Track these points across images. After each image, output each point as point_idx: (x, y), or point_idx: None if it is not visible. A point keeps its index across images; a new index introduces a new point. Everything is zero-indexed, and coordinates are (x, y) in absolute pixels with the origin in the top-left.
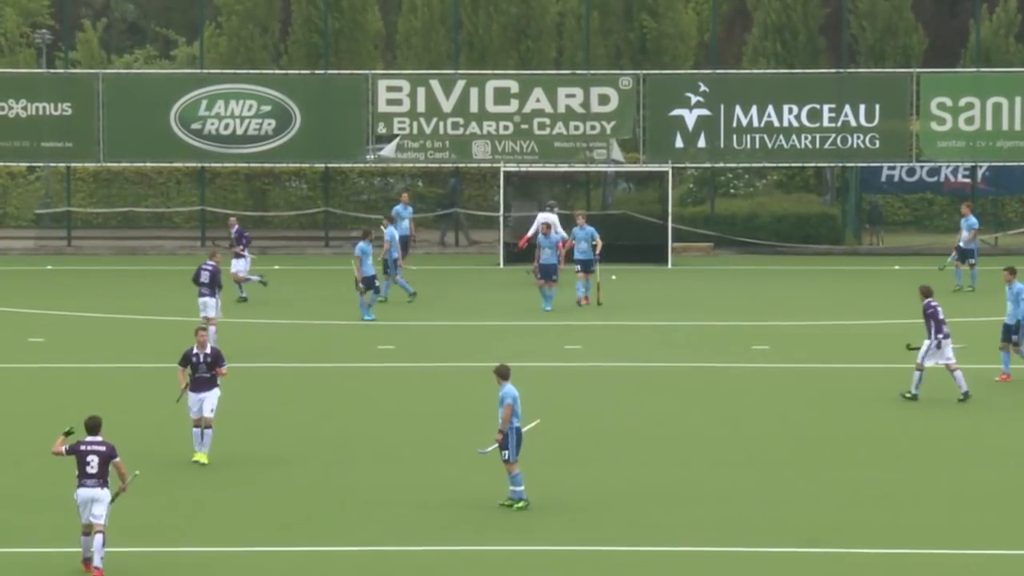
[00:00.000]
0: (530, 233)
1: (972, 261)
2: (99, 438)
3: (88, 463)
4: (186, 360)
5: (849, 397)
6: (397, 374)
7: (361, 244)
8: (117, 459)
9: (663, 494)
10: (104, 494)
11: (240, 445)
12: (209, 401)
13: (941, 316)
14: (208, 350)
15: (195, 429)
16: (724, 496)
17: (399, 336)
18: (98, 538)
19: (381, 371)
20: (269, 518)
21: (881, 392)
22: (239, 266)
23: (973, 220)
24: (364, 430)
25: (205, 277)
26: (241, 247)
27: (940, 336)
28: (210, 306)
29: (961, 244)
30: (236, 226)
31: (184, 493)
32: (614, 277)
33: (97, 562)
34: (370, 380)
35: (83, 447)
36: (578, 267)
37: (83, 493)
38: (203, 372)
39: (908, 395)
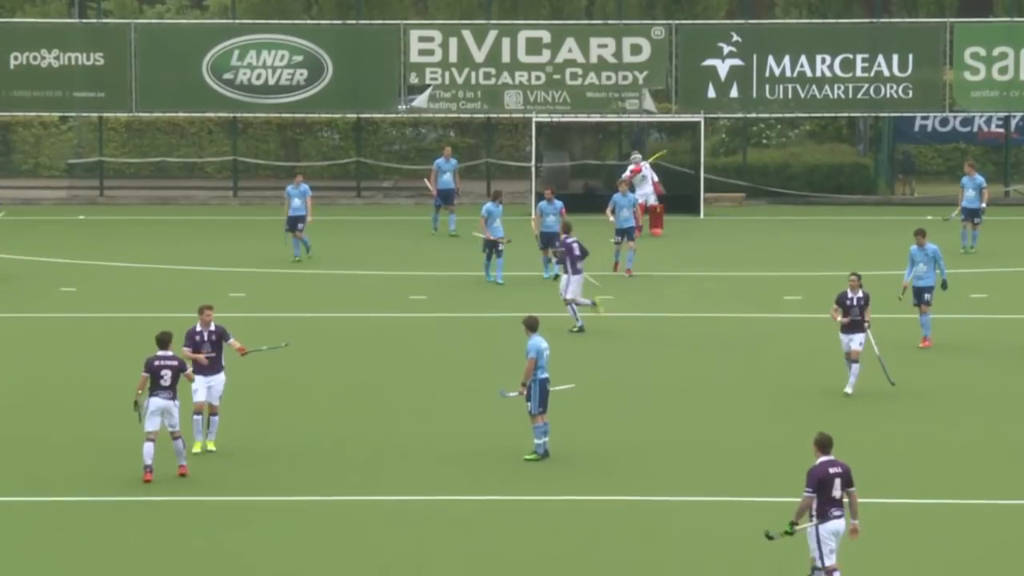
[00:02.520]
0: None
1: (978, 220)
2: (170, 352)
3: (162, 377)
4: (191, 340)
5: (883, 347)
6: (429, 324)
7: (488, 205)
8: (188, 371)
9: (693, 445)
10: (175, 406)
11: (273, 396)
12: (216, 387)
13: (576, 253)
14: (213, 328)
15: (196, 416)
16: (755, 447)
17: (431, 286)
18: (178, 443)
19: (413, 321)
20: (302, 467)
21: (914, 342)
22: None
23: (980, 179)
24: (396, 380)
25: None
26: None
27: (573, 272)
28: None
29: (966, 204)
30: None
31: (219, 442)
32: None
33: (182, 461)
34: (402, 330)
35: (157, 362)
36: (618, 237)
37: (155, 402)
38: (208, 351)
39: (575, 329)
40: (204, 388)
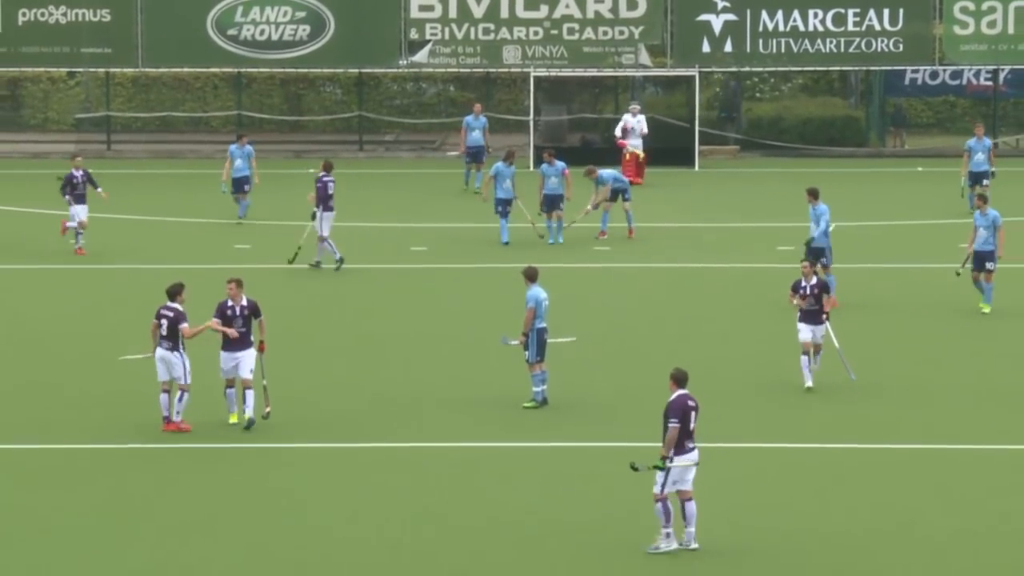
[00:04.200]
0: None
1: (986, 183)
2: (174, 304)
3: (161, 326)
4: (220, 313)
5: (874, 297)
6: (430, 275)
7: (498, 165)
8: (183, 325)
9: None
10: (174, 357)
11: (275, 346)
12: (247, 362)
13: (330, 192)
14: (245, 302)
15: (228, 390)
16: (752, 393)
17: (432, 237)
18: (165, 396)
19: (414, 272)
20: (306, 416)
21: (903, 291)
22: None
23: (989, 141)
24: (397, 330)
25: (81, 188)
26: None
27: (324, 210)
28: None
29: (973, 168)
30: None
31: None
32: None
33: (175, 416)
34: (403, 281)
35: (160, 311)
36: (610, 195)
37: (157, 351)
38: (239, 327)
39: (336, 266)
40: (232, 363)
